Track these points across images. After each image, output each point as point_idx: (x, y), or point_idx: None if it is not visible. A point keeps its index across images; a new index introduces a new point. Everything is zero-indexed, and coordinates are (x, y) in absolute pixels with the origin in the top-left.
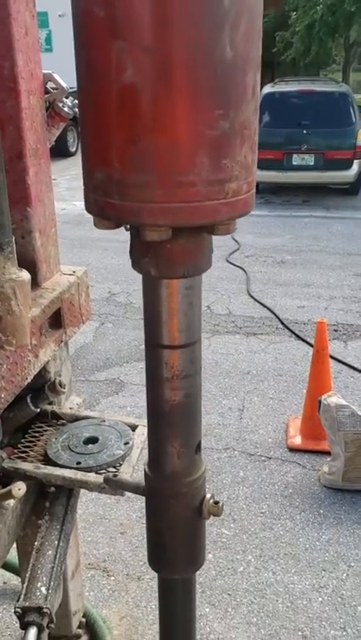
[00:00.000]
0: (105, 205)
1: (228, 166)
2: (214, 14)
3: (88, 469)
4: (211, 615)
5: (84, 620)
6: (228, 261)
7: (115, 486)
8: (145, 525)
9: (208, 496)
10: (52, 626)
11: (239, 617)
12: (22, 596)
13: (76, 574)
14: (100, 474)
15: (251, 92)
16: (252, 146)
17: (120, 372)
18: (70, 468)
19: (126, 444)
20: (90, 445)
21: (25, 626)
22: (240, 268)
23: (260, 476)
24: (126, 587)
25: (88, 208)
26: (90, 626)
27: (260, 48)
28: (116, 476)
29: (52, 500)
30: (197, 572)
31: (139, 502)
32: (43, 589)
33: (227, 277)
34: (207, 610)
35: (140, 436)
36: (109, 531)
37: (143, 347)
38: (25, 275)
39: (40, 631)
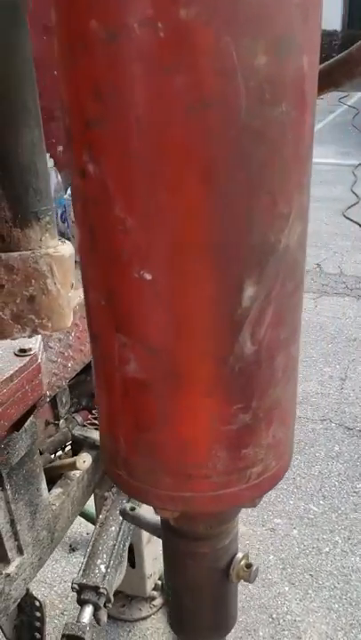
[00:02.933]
0: (113, 474)
1: (249, 454)
2: (230, 314)
3: None
4: (290, 595)
5: (159, 582)
6: (344, 216)
7: (130, 521)
8: None
9: (240, 555)
10: (110, 605)
11: (319, 601)
12: (81, 572)
13: (152, 539)
14: None
15: (281, 373)
16: (284, 420)
17: None
18: None
19: None
20: None
21: (81, 603)
22: (358, 224)
23: (356, 453)
24: None
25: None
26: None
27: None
28: (133, 509)
29: None
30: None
31: None
32: (102, 567)
33: (342, 234)
34: (286, 588)
35: None
36: None
37: None
38: (66, 249)
39: (96, 609)
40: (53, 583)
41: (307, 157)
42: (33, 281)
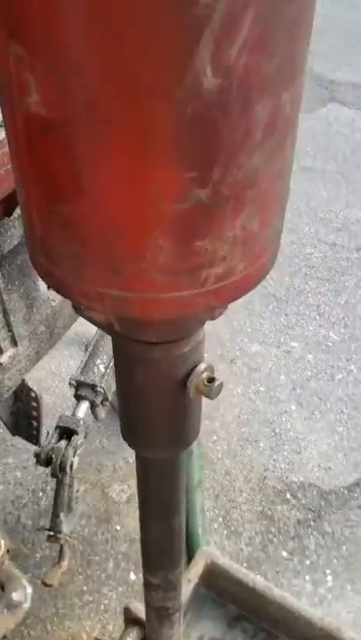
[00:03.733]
0: (34, 260)
1: (206, 248)
2: (179, 19)
3: None
4: (296, 414)
5: None
6: None
7: (82, 315)
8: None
9: (202, 367)
10: (107, 404)
11: (324, 422)
12: (80, 370)
13: None
14: None
15: (261, 134)
16: (262, 206)
17: None
18: None
19: None
20: None
21: (78, 398)
22: None
23: None
24: (217, 366)
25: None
26: None
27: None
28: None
29: None
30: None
31: None
32: (101, 367)
33: None
34: (293, 407)
35: None
36: None
37: None
38: None
39: (93, 407)
40: (67, 378)
41: None
42: None
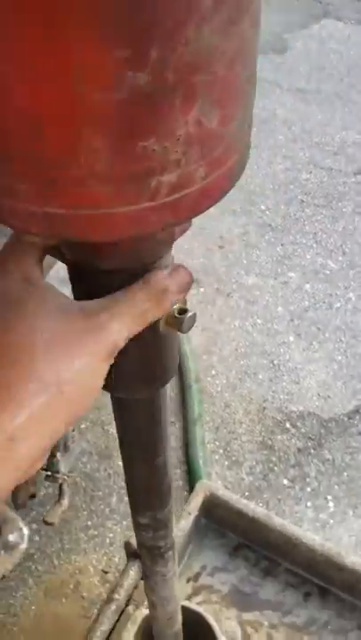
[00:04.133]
0: None
1: (153, 150)
2: None
3: None
4: (294, 345)
5: None
6: None
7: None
8: (240, 244)
9: None
10: None
11: (323, 352)
12: None
13: None
14: None
15: (211, 2)
16: (224, 95)
17: None
18: None
19: None
20: None
21: None
22: None
23: None
24: (214, 300)
25: None
26: None
27: None
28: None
29: None
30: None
31: (243, 218)
32: None
33: None
34: (291, 339)
35: None
36: (208, 243)
37: None
38: None
39: None
40: None
41: None
42: None
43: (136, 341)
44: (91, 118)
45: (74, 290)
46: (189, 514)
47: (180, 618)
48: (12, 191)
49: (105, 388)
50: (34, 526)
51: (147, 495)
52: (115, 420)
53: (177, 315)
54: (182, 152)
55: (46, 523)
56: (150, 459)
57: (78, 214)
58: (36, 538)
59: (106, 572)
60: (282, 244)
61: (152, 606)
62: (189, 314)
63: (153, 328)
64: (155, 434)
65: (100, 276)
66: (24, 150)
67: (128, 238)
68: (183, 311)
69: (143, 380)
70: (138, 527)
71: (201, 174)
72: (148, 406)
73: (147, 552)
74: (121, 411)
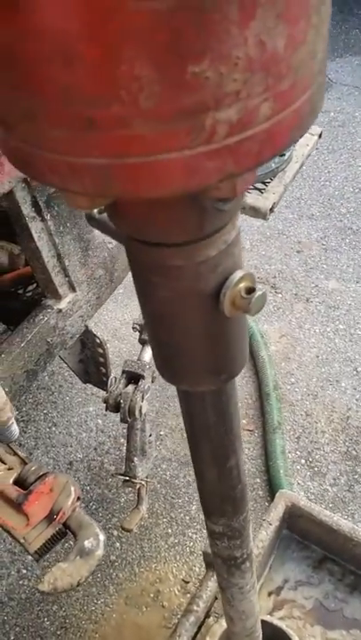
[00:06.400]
0: None
1: (205, 77)
2: None
3: None
4: None
5: None
6: None
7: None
8: (319, 248)
9: (237, 275)
10: None
11: None
12: None
13: None
14: None
15: None
16: (291, 9)
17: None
18: None
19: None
20: None
21: (142, 343)
22: None
23: None
24: (292, 306)
25: None
26: None
27: None
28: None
29: None
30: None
31: (322, 222)
32: None
33: None
34: None
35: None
36: (285, 247)
37: None
38: None
39: None
40: None
41: None
42: None
43: (197, 326)
44: (130, 34)
45: (131, 268)
46: (270, 524)
47: (259, 633)
48: (46, 139)
49: (166, 378)
50: (115, 533)
51: (220, 501)
52: (182, 416)
53: (244, 295)
54: (242, 81)
55: (124, 529)
56: (220, 461)
57: (124, 163)
58: (117, 545)
59: (186, 582)
60: None
61: (230, 620)
62: (258, 293)
63: (217, 311)
64: (224, 432)
65: (153, 251)
66: (54, 82)
67: (181, 195)
68: (251, 290)
69: (208, 370)
70: (212, 536)
71: (266, 111)
72: (215, 400)
73: (222, 563)
74: (188, 406)
